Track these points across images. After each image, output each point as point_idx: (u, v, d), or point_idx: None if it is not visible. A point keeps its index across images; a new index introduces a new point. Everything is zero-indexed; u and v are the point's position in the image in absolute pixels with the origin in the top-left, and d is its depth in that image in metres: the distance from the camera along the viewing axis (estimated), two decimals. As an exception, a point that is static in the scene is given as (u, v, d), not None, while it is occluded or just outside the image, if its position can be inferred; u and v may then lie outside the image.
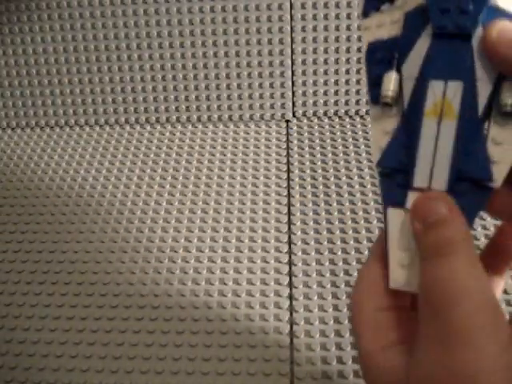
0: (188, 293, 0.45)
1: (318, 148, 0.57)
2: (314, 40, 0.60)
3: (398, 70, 0.23)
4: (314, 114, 0.61)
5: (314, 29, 0.59)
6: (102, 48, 0.61)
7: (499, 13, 0.20)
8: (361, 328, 0.22)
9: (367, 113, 0.60)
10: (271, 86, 0.61)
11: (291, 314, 0.43)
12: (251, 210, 0.51)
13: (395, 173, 0.23)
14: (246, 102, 0.61)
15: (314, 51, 0.60)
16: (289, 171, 0.55)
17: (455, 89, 0.21)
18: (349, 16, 0.59)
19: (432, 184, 0.22)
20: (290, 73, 0.61)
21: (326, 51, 0.60)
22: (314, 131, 0.59)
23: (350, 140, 0.58)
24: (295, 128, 0.60)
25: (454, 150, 0.22)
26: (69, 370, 0.41)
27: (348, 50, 0.60)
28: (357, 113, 0.61)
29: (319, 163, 0.55)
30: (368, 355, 0.21)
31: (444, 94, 0.21)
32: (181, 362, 0.41)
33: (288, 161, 0.56)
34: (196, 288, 0.45)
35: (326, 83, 0.60)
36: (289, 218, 0.51)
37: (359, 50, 0.59)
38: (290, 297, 0.45)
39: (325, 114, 0.61)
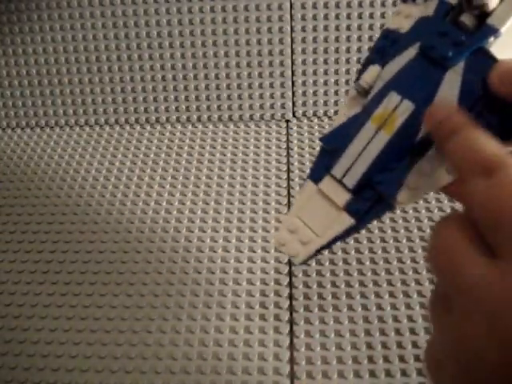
0: (188, 293, 0.45)
1: (317, 148, 0.57)
2: (314, 40, 0.60)
3: (383, 66, 0.23)
4: (314, 114, 0.61)
5: (314, 29, 0.59)
6: (102, 48, 0.61)
7: (487, 57, 0.20)
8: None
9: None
10: (271, 85, 0.61)
11: (291, 314, 0.43)
12: (251, 209, 0.51)
13: (329, 153, 0.25)
14: (246, 102, 0.61)
15: (314, 51, 0.60)
16: (289, 171, 0.55)
17: (406, 108, 0.22)
18: (349, 16, 0.59)
19: (344, 179, 0.24)
20: (289, 73, 0.61)
21: (325, 51, 0.60)
22: (313, 131, 0.59)
23: (350, 140, 0.58)
24: (295, 128, 0.60)
25: (375, 159, 0.23)
26: (69, 370, 0.41)
27: (348, 50, 0.60)
28: (357, 113, 0.60)
29: (319, 163, 0.55)
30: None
31: (395, 109, 0.22)
32: (180, 361, 0.41)
33: (288, 161, 0.56)
34: (196, 288, 0.45)
35: (325, 83, 0.60)
36: (289, 218, 0.51)
37: (359, 50, 0.59)
38: (290, 297, 0.45)
39: (325, 113, 0.61)
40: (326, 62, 0.60)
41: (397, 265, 0.46)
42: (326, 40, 0.60)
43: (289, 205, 0.52)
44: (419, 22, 0.22)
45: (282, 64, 0.60)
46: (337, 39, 0.59)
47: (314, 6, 0.59)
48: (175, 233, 0.50)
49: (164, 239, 0.49)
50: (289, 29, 0.60)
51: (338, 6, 0.59)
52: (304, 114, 0.61)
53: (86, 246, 0.50)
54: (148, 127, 0.62)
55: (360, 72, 0.24)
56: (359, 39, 0.59)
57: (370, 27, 0.59)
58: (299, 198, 0.25)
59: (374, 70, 0.23)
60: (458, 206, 0.49)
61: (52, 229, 0.51)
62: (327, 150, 0.25)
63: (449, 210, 0.50)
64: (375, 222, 0.49)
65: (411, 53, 0.22)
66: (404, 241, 0.47)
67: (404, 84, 0.22)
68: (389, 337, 0.41)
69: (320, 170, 0.25)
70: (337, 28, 0.59)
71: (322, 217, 0.24)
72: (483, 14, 0.20)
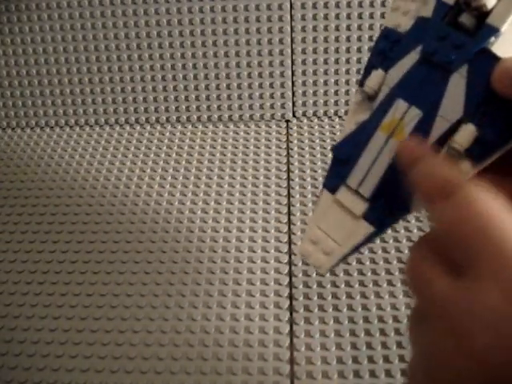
0: (188, 293, 0.45)
1: (317, 148, 0.57)
2: (314, 40, 0.60)
3: (386, 71, 0.23)
4: (314, 114, 0.61)
5: (314, 29, 0.59)
6: (102, 48, 0.61)
7: (489, 57, 0.20)
8: None
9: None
10: (271, 86, 0.61)
11: (291, 314, 0.43)
12: (251, 209, 0.51)
13: (342, 163, 0.25)
14: (246, 102, 0.61)
15: (314, 51, 0.60)
16: (289, 171, 0.55)
17: (414, 115, 0.22)
18: (349, 16, 0.59)
19: (360, 189, 0.24)
20: (289, 73, 0.61)
21: (325, 51, 0.60)
22: (313, 131, 0.59)
23: (350, 140, 0.58)
24: (295, 128, 0.60)
25: (388, 168, 0.23)
26: (69, 370, 0.41)
27: (348, 50, 0.60)
28: (357, 113, 0.60)
29: (319, 163, 0.55)
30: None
31: (403, 116, 0.22)
32: (180, 361, 0.41)
33: (288, 161, 0.57)
34: (196, 288, 0.45)
35: (326, 83, 0.60)
36: (289, 218, 0.51)
37: (359, 50, 0.59)
38: (290, 297, 0.45)
39: (325, 113, 0.61)
40: (325, 62, 0.60)
41: (397, 265, 0.46)
42: (326, 40, 0.60)
43: (289, 205, 0.52)
44: (418, 24, 0.22)
45: (282, 64, 0.60)
46: (337, 39, 0.59)
47: (314, 6, 0.59)
48: (175, 233, 0.50)
49: (164, 239, 0.49)
50: (289, 29, 0.60)
51: (337, 5, 0.59)
52: (304, 114, 0.61)
53: (86, 246, 0.50)
54: (148, 127, 0.62)
55: (363, 77, 0.24)
56: (359, 39, 0.59)
57: (370, 27, 0.59)
58: (317, 208, 0.26)
59: (377, 75, 0.23)
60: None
61: (52, 229, 0.51)
62: (339, 160, 0.25)
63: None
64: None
65: (414, 57, 0.22)
66: (404, 241, 0.47)
67: (409, 90, 0.22)
68: (389, 337, 0.41)
69: (334, 179, 0.25)
70: (337, 28, 0.59)
71: (342, 226, 0.25)
72: (482, 14, 0.20)
